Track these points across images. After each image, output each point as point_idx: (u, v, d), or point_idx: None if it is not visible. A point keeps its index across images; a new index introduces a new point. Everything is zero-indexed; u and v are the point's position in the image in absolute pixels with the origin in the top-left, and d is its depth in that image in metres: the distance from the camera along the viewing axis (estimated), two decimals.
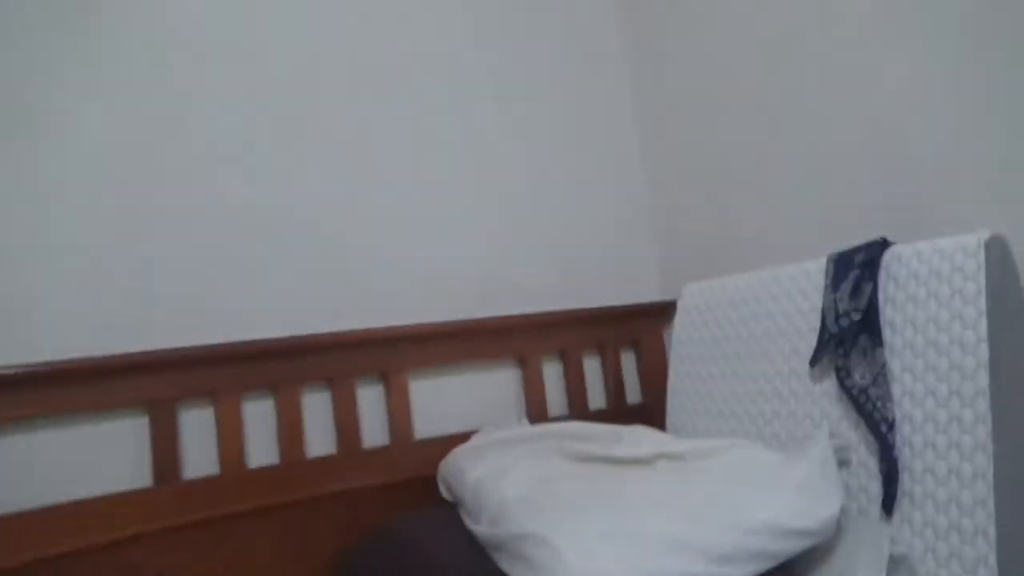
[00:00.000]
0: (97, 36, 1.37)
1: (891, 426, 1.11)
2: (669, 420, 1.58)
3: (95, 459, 1.27)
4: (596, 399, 1.78)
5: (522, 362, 1.69)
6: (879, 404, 1.13)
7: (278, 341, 1.41)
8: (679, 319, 1.61)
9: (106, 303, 1.32)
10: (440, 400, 1.59)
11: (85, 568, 1.20)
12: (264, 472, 1.38)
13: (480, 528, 1.18)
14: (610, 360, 1.80)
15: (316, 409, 1.46)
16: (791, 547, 0.99)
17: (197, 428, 1.35)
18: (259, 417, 1.41)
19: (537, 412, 1.67)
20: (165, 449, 1.30)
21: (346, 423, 1.47)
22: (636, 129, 1.96)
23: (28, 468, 1.22)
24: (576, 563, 0.95)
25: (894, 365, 1.14)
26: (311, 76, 1.57)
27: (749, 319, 1.43)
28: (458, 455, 1.42)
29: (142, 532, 1.25)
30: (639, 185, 1.94)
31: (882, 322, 1.17)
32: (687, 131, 1.83)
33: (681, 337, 1.59)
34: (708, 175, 1.77)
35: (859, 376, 1.17)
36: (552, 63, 1.87)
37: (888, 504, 1.09)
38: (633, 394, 1.83)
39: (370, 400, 1.52)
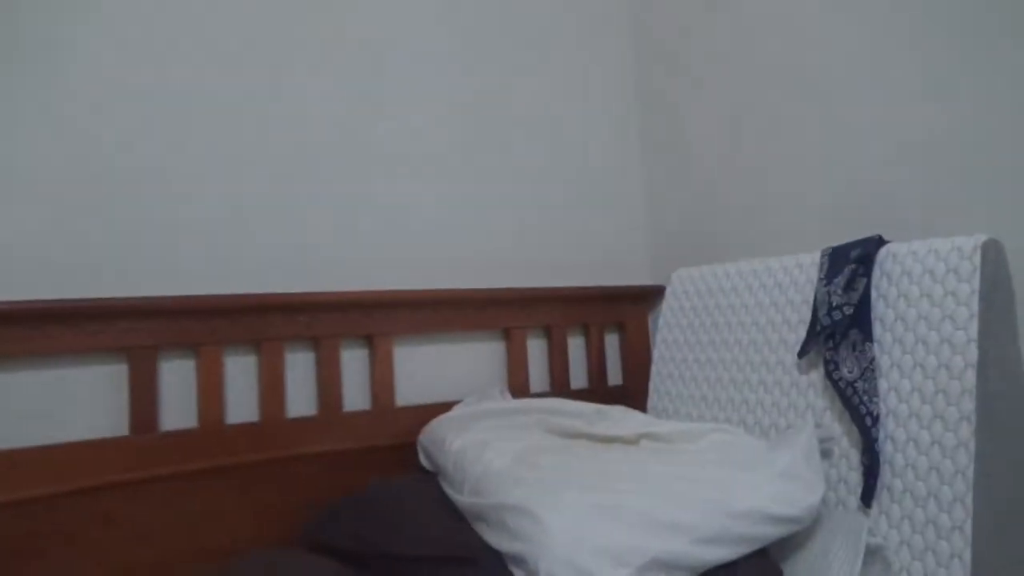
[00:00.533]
0: None
1: (875, 420, 1.13)
2: (651, 403, 1.58)
3: (70, 404, 1.23)
4: (577, 378, 1.78)
5: (507, 336, 1.69)
6: (865, 398, 1.14)
7: (264, 296, 1.39)
8: (667, 303, 1.62)
9: (89, 246, 1.29)
10: (423, 368, 1.58)
11: (54, 514, 1.17)
12: (242, 428, 1.36)
13: (462, 498, 1.18)
14: (594, 340, 1.80)
15: (299, 369, 1.44)
16: (772, 532, 1.01)
17: (177, 380, 1.32)
18: (241, 373, 1.38)
19: (519, 387, 1.66)
20: (143, 398, 1.27)
21: (328, 384, 1.45)
22: (634, 116, 1.94)
23: (1, 408, 1.18)
24: (561, 535, 0.95)
25: (882, 360, 1.16)
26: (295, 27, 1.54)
27: (739, 308, 1.44)
28: (440, 424, 1.42)
29: (116, 481, 1.22)
30: (634, 172, 1.93)
31: (873, 317, 1.19)
32: (686, 122, 1.82)
33: (669, 321, 1.59)
34: (704, 168, 1.77)
35: (847, 369, 1.18)
36: (552, 49, 1.84)
37: (867, 496, 1.11)
38: (614, 376, 1.83)
39: (353, 363, 1.50)
